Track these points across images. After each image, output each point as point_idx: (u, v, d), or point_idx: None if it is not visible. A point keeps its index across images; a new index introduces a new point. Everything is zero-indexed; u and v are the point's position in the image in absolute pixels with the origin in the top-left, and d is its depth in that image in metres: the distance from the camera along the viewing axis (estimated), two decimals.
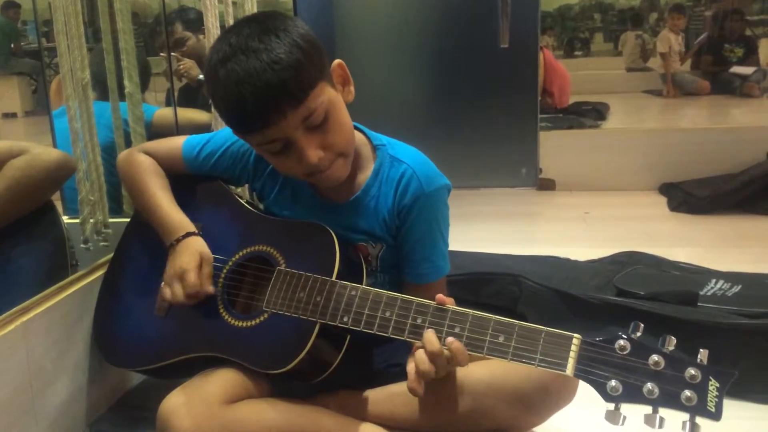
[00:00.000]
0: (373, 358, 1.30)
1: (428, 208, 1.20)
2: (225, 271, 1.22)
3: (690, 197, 3.05)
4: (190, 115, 2.09)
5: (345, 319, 1.08)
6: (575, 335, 0.94)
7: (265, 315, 1.15)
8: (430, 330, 1.01)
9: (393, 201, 1.19)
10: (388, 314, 1.06)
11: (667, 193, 3.28)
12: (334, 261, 1.13)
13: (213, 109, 1.68)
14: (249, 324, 1.16)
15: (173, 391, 1.12)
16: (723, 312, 1.48)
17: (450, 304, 1.04)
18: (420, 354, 1.00)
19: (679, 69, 6.04)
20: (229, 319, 1.18)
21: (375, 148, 1.23)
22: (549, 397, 1.11)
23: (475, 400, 1.14)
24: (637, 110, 5.37)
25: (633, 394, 0.89)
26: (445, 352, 0.99)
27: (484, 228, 2.78)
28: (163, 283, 1.21)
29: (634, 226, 2.81)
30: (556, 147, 3.53)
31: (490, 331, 0.98)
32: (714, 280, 1.69)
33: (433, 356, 0.99)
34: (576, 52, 7.72)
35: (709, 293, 1.61)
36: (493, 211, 3.12)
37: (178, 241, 1.21)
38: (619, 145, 3.55)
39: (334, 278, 1.12)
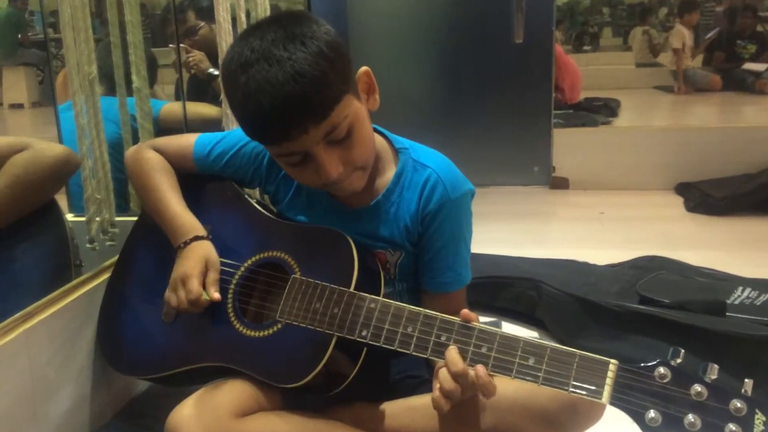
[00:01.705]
0: (389, 369, 1.24)
1: (453, 214, 1.14)
2: (236, 277, 1.16)
3: (707, 198, 2.99)
4: (200, 109, 2.03)
5: (364, 333, 1.03)
6: (612, 361, 0.88)
7: (279, 325, 1.09)
8: (452, 348, 0.95)
9: (417, 207, 1.14)
10: (410, 330, 1.00)
11: (684, 193, 3.22)
12: (353, 271, 1.07)
13: (224, 105, 1.62)
14: (261, 334, 1.10)
15: (182, 402, 1.07)
16: (753, 323, 1.42)
17: (475, 321, 0.98)
18: (443, 374, 0.95)
19: (690, 65, 5.97)
20: (240, 329, 1.12)
21: (397, 151, 1.17)
22: (578, 417, 1.05)
23: (498, 417, 1.08)
24: (648, 106, 5.31)
25: (673, 426, 0.83)
26: (470, 372, 0.93)
27: (497, 228, 2.72)
28: (168, 288, 1.16)
29: (650, 227, 2.76)
30: (569, 145, 3.47)
31: (519, 353, 0.92)
32: (740, 288, 1.63)
33: (456, 376, 0.93)
34: (585, 47, 7.65)
35: (736, 302, 1.55)
36: (506, 210, 3.07)
37: (186, 244, 1.15)
38: (634, 143, 3.50)
39: (352, 289, 1.06)
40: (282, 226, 1.19)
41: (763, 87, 5.36)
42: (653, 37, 6.89)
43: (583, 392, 0.88)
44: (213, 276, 1.13)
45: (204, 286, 1.12)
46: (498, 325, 1.72)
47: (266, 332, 1.10)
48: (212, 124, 2.02)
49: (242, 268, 1.17)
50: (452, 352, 0.95)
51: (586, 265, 1.96)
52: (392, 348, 1.00)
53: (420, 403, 1.14)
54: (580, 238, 2.64)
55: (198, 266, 1.12)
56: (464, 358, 0.95)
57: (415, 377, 1.22)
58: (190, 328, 1.16)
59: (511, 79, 3.43)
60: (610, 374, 0.87)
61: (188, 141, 1.27)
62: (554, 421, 1.05)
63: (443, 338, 0.98)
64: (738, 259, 2.24)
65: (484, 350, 0.95)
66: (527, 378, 0.91)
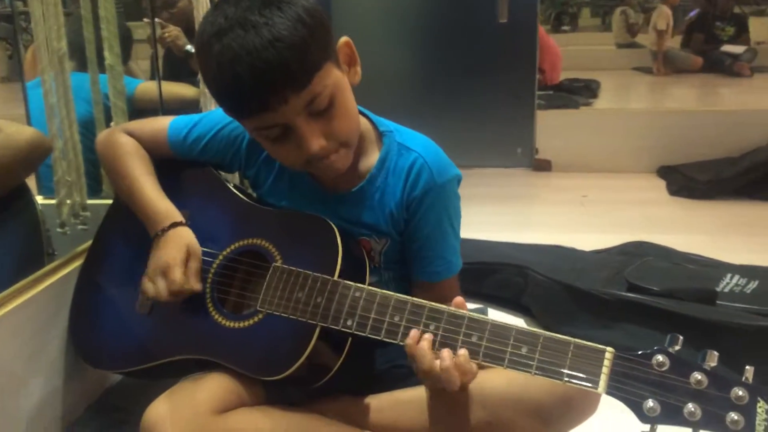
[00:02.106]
0: (375, 359, 1.20)
1: (440, 200, 1.10)
2: (215, 266, 1.11)
3: (690, 181, 2.98)
4: (176, 89, 1.96)
5: (349, 322, 0.98)
6: (608, 348, 0.84)
7: (260, 316, 1.04)
8: (420, 340, 0.92)
9: (402, 193, 1.09)
10: (396, 319, 0.96)
11: (666, 177, 3.21)
12: (336, 258, 1.03)
13: (202, 85, 1.56)
14: (241, 325, 1.06)
15: (158, 398, 1.02)
16: (744, 311, 1.40)
17: (464, 308, 0.94)
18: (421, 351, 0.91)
19: (669, 46, 5.95)
20: (220, 319, 1.07)
21: (381, 134, 1.13)
22: (571, 412, 1.02)
23: (490, 412, 1.04)
24: (627, 88, 5.29)
25: (672, 416, 0.80)
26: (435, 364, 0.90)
27: (479, 211, 2.68)
28: (145, 277, 1.10)
29: (633, 210, 2.74)
30: (551, 127, 3.44)
31: (511, 341, 0.89)
32: (729, 275, 1.61)
33: (426, 373, 0.91)
34: (564, 27, 7.59)
35: (726, 290, 1.53)
36: (488, 192, 3.04)
37: (164, 231, 1.10)
38: (616, 125, 3.48)
39: (336, 277, 1.01)
40: (262, 212, 1.14)
41: (741, 69, 5.35)
42: (630, 16, 6.85)
43: (579, 381, 0.84)
44: (194, 265, 1.08)
45: (186, 276, 1.07)
46: (484, 312, 1.69)
47: (246, 323, 1.05)
48: (190, 105, 1.96)
49: (221, 257, 1.12)
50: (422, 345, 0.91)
51: (572, 251, 1.93)
52: (379, 338, 0.96)
53: (408, 396, 1.10)
54: (564, 221, 2.62)
55: (179, 255, 1.07)
56: (454, 347, 0.91)
57: (401, 367, 1.18)
58: (166, 319, 1.11)
59: (495, 59, 3.39)
60: (606, 362, 0.84)
61: (162, 124, 1.21)
62: (548, 415, 1.02)
63: (432, 327, 0.94)
64: (722, 244, 2.23)
65: (474, 339, 0.91)
66: (520, 368, 0.87)
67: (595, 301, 1.53)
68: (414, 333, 0.93)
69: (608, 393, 0.83)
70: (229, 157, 1.18)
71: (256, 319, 1.05)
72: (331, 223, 1.06)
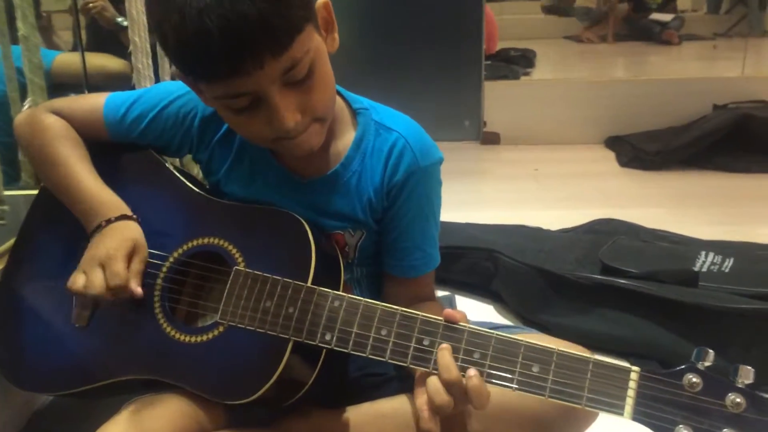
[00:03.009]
0: (346, 367, 1.07)
1: (422, 186, 0.98)
2: (164, 270, 0.96)
3: (640, 152, 2.94)
4: (102, 62, 1.76)
5: (327, 337, 0.85)
6: (633, 368, 0.74)
7: (220, 329, 0.90)
8: (445, 348, 0.80)
9: (382, 177, 0.97)
10: (384, 333, 0.83)
11: (615, 147, 3.18)
12: (309, 261, 0.89)
13: (134, 59, 1.37)
14: (199, 339, 0.91)
15: (103, 426, 0.87)
16: (726, 293, 1.33)
17: (462, 320, 0.82)
18: (434, 384, 0.78)
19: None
20: (172, 333, 0.92)
21: (355, 112, 0.99)
22: (575, 421, 0.92)
23: (484, 426, 0.93)
24: (561, 57, 5.25)
25: None
26: (464, 381, 0.78)
27: None
28: (75, 271, 0.93)
29: (587, 183, 2.69)
30: (496, 98, 3.35)
31: (520, 360, 0.78)
32: (704, 253, 1.55)
33: (450, 385, 0.78)
34: None
35: (704, 269, 1.47)
36: None
37: (109, 222, 0.94)
38: (560, 96, 3.42)
39: (309, 283, 0.88)
40: (219, 205, 0.98)
41: (670, 37, 5.38)
42: None
43: (600, 406, 0.74)
44: (138, 266, 0.92)
45: None
46: (452, 300, 1.59)
47: (204, 337, 0.91)
48: (117, 80, 1.77)
49: (170, 259, 0.96)
50: (446, 356, 0.79)
51: (538, 230, 1.84)
52: (363, 355, 0.84)
53: (390, 408, 0.99)
54: (519, 197, 2.54)
55: (123, 248, 0.91)
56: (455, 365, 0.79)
57: (377, 375, 1.06)
58: (108, 333, 0.96)
59: (440, 28, 3.25)
60: (631, 384, 0.74)
61: (96, 102, 1.04)
62: (549, 427, 0.92)
63: (426, 342, 0.82)
64: (681, 217, 2.20)
65: (476, 357, 0.79)
66: (532, 390, 0.77)
67: (570, 286, 1.45)
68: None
69: (635, 419, 0.73)
70: (178, 138, 1.01)
71: (216, 332, 0.90)
72: (301, 219, 0.92)
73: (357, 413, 1.00)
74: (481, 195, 2.62)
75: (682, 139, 2.87)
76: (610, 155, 3.09)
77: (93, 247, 0.93)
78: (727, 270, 1.46)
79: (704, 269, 1.46)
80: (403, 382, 1.01)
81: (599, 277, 1.42)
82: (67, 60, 1.71)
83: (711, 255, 1.53)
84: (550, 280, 1.46)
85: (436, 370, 0.80)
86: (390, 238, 1.01)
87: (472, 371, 0.78)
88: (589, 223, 1.92)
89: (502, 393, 0.87)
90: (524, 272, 1.50)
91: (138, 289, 0.91)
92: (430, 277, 1.06)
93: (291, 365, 0.87)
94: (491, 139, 3.30)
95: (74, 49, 1.81)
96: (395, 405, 0.99)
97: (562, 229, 1.92)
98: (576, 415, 0.91)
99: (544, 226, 1.91)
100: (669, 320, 1.32)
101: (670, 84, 3.44)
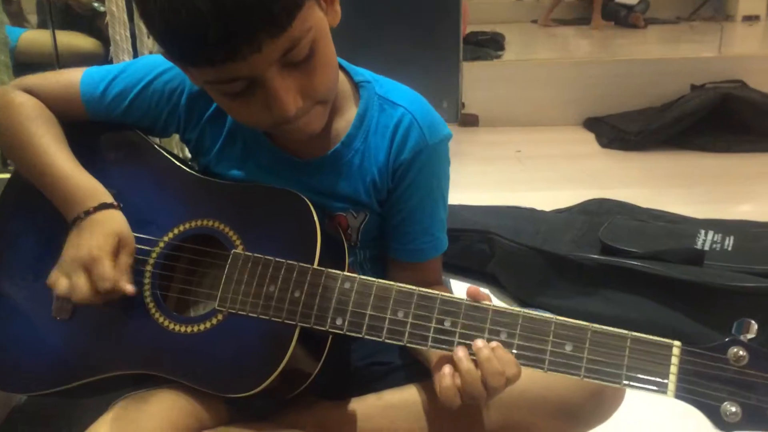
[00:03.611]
0: (350, 356, 1.01)
1: (431, 164, 0.92)
2: (154, 255, 0.88)
3: (620, 133, 2.92)
4: (72, 40, 1.65)
5: (338, 322, 0.79)
6: (675, 342, 0.69)
7: (219, 317, 0.83)
8: (478, 339, 0.74)
9: (387, 156, 0.90)
10: (401, 315, 0.77)
11: (594, 129, 3.15)
12: (315, 241, 0.83)
13: (110, 30, 1.28)
14: (196, 329, 0.84)
15: (92, 426, 0.80)
16: (733, 271, 1.30)
17: (486, 299, 0.77)
18: (466, 367, 0.73)
19: None
20: (166, 323, 0.85)
21: (357, 85, 0.92)
22: (603, 405, 0.87)
23: (505, 414, 0.88)
24: (530, 40, 5.22)
25: (756, 420, 0.67)
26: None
27: None
28: (55, 270, 0.86)
29: (570, 164, 2.66)
30: (474, 80, 3.29)
31: (551, 338, 0.72)
32: (702, 232, 1.51)
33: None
34: None
35: (705, 248, 1.43)
36: None
37: (88, 213, 0.85)
38: (540, 77, 3.38)
39: (316, 265, 0.81)
40: (213, 186, 0.91)
41: (636, 20, 5.39)
42: None
43: (642, 384, 0.69)
44: (126, 260, 0.84)
45: None
46: (447, 284, 1.53)
47: (202, 326, 0.84)
48: (87, 61, 1.66)
49: (161, 244, 0.89)
50: (480, 343, 0.73)
51: (532, 211, 1.79)
52: (379, 339, 0.78)
53: (400, 399, 0.93)
54: (504, 179, 2.49)
55: (108, 244, 0.83)
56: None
57: (382, 364, 1.00)
58: (93, 325, 0.88)
59: (417, 8, 3.18)
60: (674, 360, 0.69)
61: (72, 78, 0.95)
62: (577, 413, 0.87)
63: (447, 323, 0.76)
64: (665, 197, 2.17)
65: (504, 337, 0.74)
66: (567, 370, 0.71)
67: (571, 267, 1.40)
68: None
69: (678, 397, 0.68)
70: (164, 116, 0.93)
71: (214, 321, 0.83)
72: (303, 197, 0.85)
73: (365, 405, 0.94)
74: (465, 177, 2.55)
75: (663, 119, 2.85)
76: (590, 136, 3.06)
77: (73, 246, 0.85)
78: (729, 248, 1.42)
79: (706, 248, 1.43)
80: (410, 371, 0.96)
81: (603, 257, 1.37)
82: (33, 37, 1.61)
83: (711, 233, 1.50)
84: (551, 261, 1.41)
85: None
86: (395, 221, 0.94)
87: (479, 342, 0.72)
88: (582, 204, 1.88)
89: (527, 379, 0.82)
90: (523, 254, 1.45)
91: (129, 287, 0.84)
92: (438, 262, 1.00)
93: (297, 354, 0.81)
94: (470, 121, 3.25)
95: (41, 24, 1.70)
96: (405, 396, 0.93)
97: (555, 209, 1.88)
98: (603, 399, 0.86)
99: (534, 207, 1.87)
100: (676, 300, 1.28)
101: (647, 64, 3.42)
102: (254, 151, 0.92)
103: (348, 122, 0.90)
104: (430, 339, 0.76)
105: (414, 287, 0.78)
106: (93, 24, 1.77)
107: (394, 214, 0.94)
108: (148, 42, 1.33)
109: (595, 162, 2.72)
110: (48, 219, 0.91)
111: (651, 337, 0.70)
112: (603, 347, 0.70)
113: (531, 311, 0.74)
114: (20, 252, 0.95)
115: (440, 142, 0.92)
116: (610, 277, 1.35)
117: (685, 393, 0.68)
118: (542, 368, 0.72)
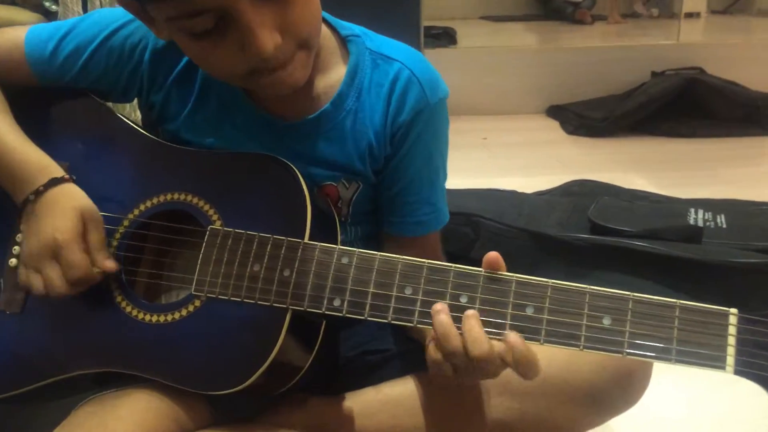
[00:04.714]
0: (339, 344, 0.91)
1: (431, 126, 0.82)
2: (117, 236, 0.77)
3: (585, 120, 2.88)
4: (12, 15, 1.50)
5: (336, 303, 0.69)
6: (731, 310, 0.61)
7: (196, 303, 0.72)
8: (471, 317, 0.64)
9: (384, 117, 0.80)
10: (409, 292, 0.67)
11: (557, 116, 3.11)
12: (304, 212, 0.72)
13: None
14: (169, 318, 0.73)
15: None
16: (732, 248, 1.24)
17: (502, 268, 0.67)
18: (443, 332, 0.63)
19: None
20: (134, 312, 0.74)
21: (345, 40, 0.82)
22: (631, 388, 0.79)
23: (523, 403, 0.79)
24: (481, 35, 5.17)
25: None
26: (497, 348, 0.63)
27: None
28: (19, 265, 0.75)
29: (539, 151, 2.60)
30: (436, 67, 3.21)
31: (586, 311, 0.63)
32: (692, 210, 1.46)
33: (480, 361, 0.62)
34: None
35: (699, 225, 1.37)
36: None
37: (39, 193, 0.73)
38: (501, 65, 3.32)
39: (307, 239, 0.71)
40: (183, 154, 0.80)
41: (582, 17, 5.40)
42: None
43: (696, 360, 0.60)
44: (97, 236, 0.73)
45: (88, 254, 0.72)
46: None
47: (177, 315, 0.73)
48: None
49: (125, 222, 0.77)
50: (474, 325, 0.63)
51: (513, 193, 1.71)
52: (384, 321, 0.68)
53: (399, 392, 0.83)
54: (473, 166, 2.41)
55: (72, 224, 0.71)
56: (502, 326, 0.64)
57: (376, 352, 0.90)
58: (49, 318, 0.76)
59: None
60: (731, 329, 0.60)
61: (15, 37, 0.82)
62: (603, 398, 0.78)
63: (464, 299, 0.66)
64: (636, 181, 2.12)
65: (530, 312, 0.64)
66: (604, 347, 0.62)
67: (563, 248, 1.33)
68: (441, 306, 0.65)
69: (738, 372, 0.60)
70: (124, 77, 0.81)
71: (190, 308, 0.73)
72: (288, 163, 0.75)
73: (362, 400, 0.83)
74: None
75: (628, 105, 2.82)
76: (554, 124, 3.02)
77: (33, 233, 0.73)
78: (723, 225, 1.37)
79: (700, 225, 1.37)
80: (408, 359, 0.86)
81: (597, 237, 1.29)
82: None
83: (701, 212, 1.45)
84: (542, 242, 1.34)
85: None
86: (392, 191, 0.84)
87: (512, 336, 0.62)
88: (564, 185, 1.81)
89: (546, 362, 0.72)
90: (511, 236, 1.37)
91: (110, 263, 0.73)
92: (438, 237, 0.90)
93: (288, 343, 0.71)
94: None
95: None
96: (407, 388, 0.83)
97: (537, 192, 1.80)
98: (631, 382, 0.78)
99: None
100: (675, 279, 1.22)
101: (607, 52, 3.40)
102: (230, 112, 0.80)
103: (336, 80, 0.80)
104: None
105: (423, 260, 0.68)
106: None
107: (391, 183, 0.84)
108: (99, 3, 1.20)
109: (562, 148, 2.67)
110: None
111: (702, 305, 0.61)
112: (647, 318, 0.62)
113: (559, 282, 0.65)
114: None
115: (440, 100, 0.83)
116: (603, 258, 1.28)
117: (745, 367, 0.59)
118: (577, 346, 0.62)
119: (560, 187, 1.81)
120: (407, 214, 0.85)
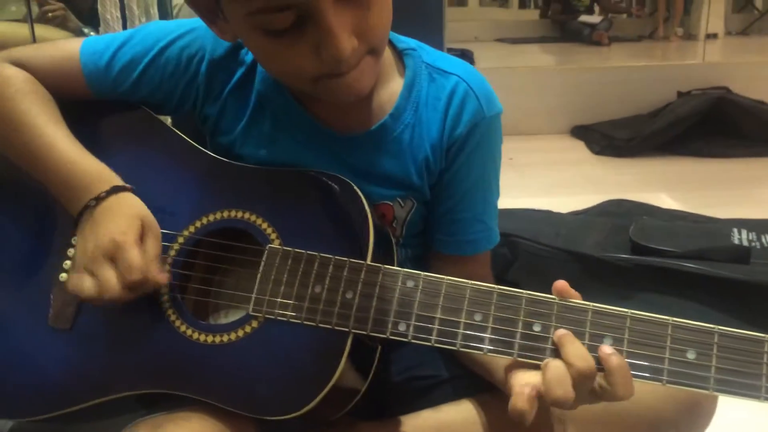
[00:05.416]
0: (389, 368, 0.88)
1: (487, 141, 0.81)
2: (172, 252, 0.75)
3: (612, 140, 2.85)
4: (51, 34, 1.48)
5: (401, 327, 0.66)
6: None
7: (254, 323, 0.70)
8: (566, 335, 0.62)
9: (440, 131, 0.78)
10: (478, 318, 0.65)
11: (583, 137, 3.09)
12: (366, 232, 0.70)
13: (100, 7, 1.13)
14: (226, 339, 0.71)
15: None
16: None
17: (576, 297, 0.65)
18: (557, 371, 0.60)
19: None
20: (188, 332, 0.72)
21: (401, 53, 0.80)
22: (700, 419, 0.76)
23: (580, 431, 0.76)
24: (499, 57, 5.17)
25: None
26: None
27: None
28: (70, 271, 0.73)
29: (567, 171, 2.58)
30: None
31: (668, 344, 0.61)
32: (735, 230, 1.43)
33: (582, 378, 0.59)
34: None
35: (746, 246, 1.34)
36: None
37: (100, 199, 0.71)
38: (528, 85, 3.32)
39: (369, 260, 0.69)
40: (240, 171, 0.78)
41: (600, 38, 5.42)
42: None
43: None
44: (153, 246, 0.70)
45: None
46: None
47: (233, 335, 0.70)
48: None
49: (181, 239, 0.75)
50: (575, 342, 0.61)
51: (549, 213, 1.68)
52: (452, 348, 0.65)
53: (456, 414, 0.81)
54: (502, 186, 2.39)
55: (132, 229, 0.69)
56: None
57: (425, 378, 0.87)
58: (101, 335, 0.74)
59: (401, 13, 3.09)
60: None
61: (70, 49, 0.80)
62: (668, 429, 0.75)
63: (537, 327, 0.64)
64: (665, 201, 2.09)
65: (608, 343, 0.62)
66: (689, 383, 0.59)
67: (605, 269, 1.30)
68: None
69: None
70: (179, 89, 0.79)
71: (248, 328, 0.70)
72: (349, 181, 0.73)
73: (416, 423, 0.81)
74: None
75: (656, 124, 2.80)
76: (579, 144, 3.00)
77: (90, 237, 0.70)
78: None
79: (745, 245, 1.34)
80: (458, 384, 0.84)
81: (643, 257, 1.27)
82: (8, 30, 1.43)
83: (744, 232, 1.42)
84: (583, 263, 1.31)
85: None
86: (444, 207, 0.82)
87: (607, 348, 0.60)
88: (600, 205, 1.79)
89: None
90: (549, 256, 1.35)
91: (162, 276, 0.69)
92: (488, 257, 0.88)
93: (347, 367, 0.68)
94: None
95: None
96: (460, 412, 0.81)
97: (571, 212, 1.78)
98: (700, 413, 0.75)
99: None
100: (721, 301, 1.18)
101: (632, 72, 3.40)
102: (286, 125, 0.78)
103: (393, 94, 0.78)
104: (516, 346, 0.63)
105: (492, 286, 0.66)
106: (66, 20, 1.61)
107: (443, 199, 0.81)
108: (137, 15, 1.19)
109: (590, 168, 2.65)
110: (41, 210, 0.78)
111: None
112: (735, 354, 0.59)
113: (638, 312, 0.63)
114: (9, 249, 0.80)
115: (496, 115, 0.81)
116: (645, 279, 1.25)
117: None
118: (660, 381, 0.60)
119: (596, 207, 1.78)
120: (458, 232, 0.83)
